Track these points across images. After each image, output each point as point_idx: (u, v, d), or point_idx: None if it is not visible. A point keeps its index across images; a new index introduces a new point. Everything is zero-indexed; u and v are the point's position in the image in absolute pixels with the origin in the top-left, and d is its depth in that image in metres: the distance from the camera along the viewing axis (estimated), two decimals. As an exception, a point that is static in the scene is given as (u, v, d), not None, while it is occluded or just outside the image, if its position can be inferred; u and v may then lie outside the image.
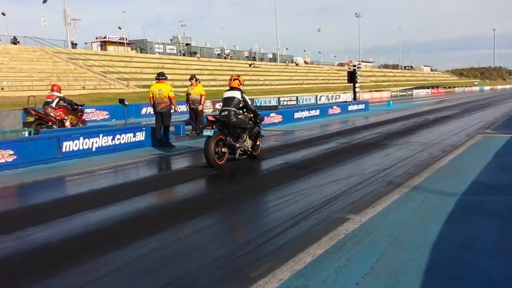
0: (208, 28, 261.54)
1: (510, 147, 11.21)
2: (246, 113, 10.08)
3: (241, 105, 9.84)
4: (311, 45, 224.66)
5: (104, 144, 11.41)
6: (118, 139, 11.80)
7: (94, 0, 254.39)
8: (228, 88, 10.05)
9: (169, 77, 58.26)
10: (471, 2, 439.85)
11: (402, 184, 7.41)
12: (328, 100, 45.69)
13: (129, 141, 12.11)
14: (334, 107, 24.72)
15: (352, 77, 30.28)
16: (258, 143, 10.50)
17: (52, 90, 15.93)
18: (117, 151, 11.67)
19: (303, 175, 8.48)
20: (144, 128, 12.64)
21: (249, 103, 10.06)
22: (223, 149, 9.32)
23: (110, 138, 11.57)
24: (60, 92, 15.96)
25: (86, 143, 10.94)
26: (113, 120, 23.85)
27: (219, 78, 63.21)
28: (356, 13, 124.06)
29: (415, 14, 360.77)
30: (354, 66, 30.72)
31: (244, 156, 10.02)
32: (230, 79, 10.11)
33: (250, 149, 9.95)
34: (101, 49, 65.53)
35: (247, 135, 9.79)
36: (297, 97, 42.47)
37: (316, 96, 46.05)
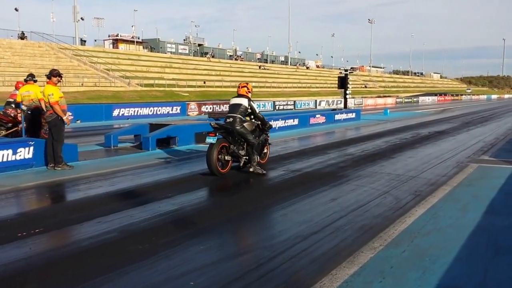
0: (226, 30, 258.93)
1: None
2: (253, 120, 9.11)
3: (248, 112, 8.90)
4: (324, 50, 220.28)
5: (-42, 165, 7.87)
6: (-16, 157, 8.24)
7: (126, 1, 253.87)
8: (236, 95, 9.09)
9: (175, 76, 54.51)
10: (483, 14, 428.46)
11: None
12: (329, 105, 41.67)
13: (5, 159, 8.53)
14: (318, 115, 20.54)
15: (343, 82, 25.50)
16: (265, 151, 9.71)
17: (16, 88, 12.59)
18: (-19, 174, 8.14)
19: (130, 261, 4.79)
20: (32, 142, 9.01)
21: (256, 110, 9.09)
22: (226, 157, 8.48)
23: (-31, 156, 8.02)
24: None
25: None
26: (78, 121, 20.45)
27: (226, 79, 59.69)
28: (369, 19, 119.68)
29: (427, 23, 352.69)
30: (346, 71, 26.34)
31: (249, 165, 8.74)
32: (239, 86, 9.19)
33: (256, 157, 8.77)
34: (113, 47, 62.29)
35: (252, 143, 8.69)
36: (294, 101, 38.41)
37: (316, 101, 42.04)
